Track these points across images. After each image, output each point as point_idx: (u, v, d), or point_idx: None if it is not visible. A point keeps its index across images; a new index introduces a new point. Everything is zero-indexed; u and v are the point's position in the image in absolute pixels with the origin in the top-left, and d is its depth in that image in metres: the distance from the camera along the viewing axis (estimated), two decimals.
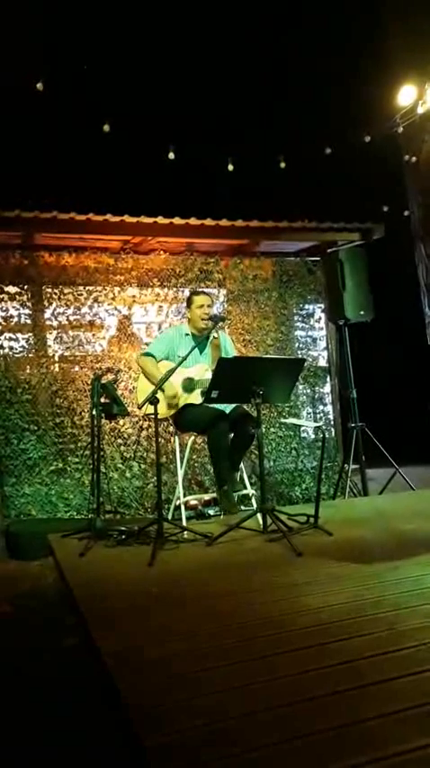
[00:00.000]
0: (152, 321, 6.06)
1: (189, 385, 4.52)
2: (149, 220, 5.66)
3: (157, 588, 3.01)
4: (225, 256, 6.36)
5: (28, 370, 5.60)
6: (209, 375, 4.35)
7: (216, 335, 4.58)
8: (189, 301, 4.73)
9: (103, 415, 4.43)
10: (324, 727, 1.59)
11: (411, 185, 6.55)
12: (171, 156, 5.45)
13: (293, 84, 9.67)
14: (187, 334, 4.67)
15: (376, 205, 6.74)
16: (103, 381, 4.43)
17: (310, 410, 6.60)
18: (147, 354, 4.64)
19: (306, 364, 6.25)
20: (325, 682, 1.82)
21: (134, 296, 5.99)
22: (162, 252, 6.09)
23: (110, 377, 4.83)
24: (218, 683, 1.88)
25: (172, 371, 4.10)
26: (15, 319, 5.61)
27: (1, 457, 5.38)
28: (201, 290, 5.23)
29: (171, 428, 4.94)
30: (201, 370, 4.53)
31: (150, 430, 5.71)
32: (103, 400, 4.40)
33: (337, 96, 8.27)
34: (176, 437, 4.72)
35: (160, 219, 5.69)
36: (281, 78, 9.77)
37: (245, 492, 4.61)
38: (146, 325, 6.04)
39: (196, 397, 4.47)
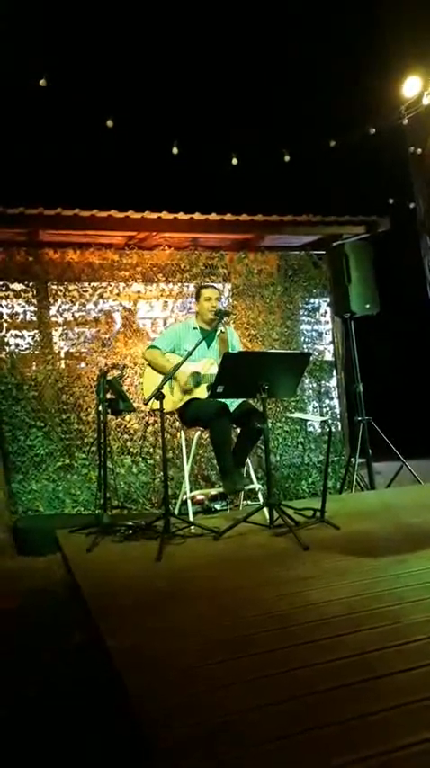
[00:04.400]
0: (157, 316, 6.07)
1: (195, 379, 4.52)
2: (153, 215, 5.66)
3: (164, 583, 3.02)
4: (230, 251, 6.35)
5: (34, 367, 5.62)
6: (215, 369, 4.36)
7: (223, 330, 4.58)
8: (198, 294, 4.73)
9: (109, 411, 4.44)
10: (331, 720, 1.59)
11: (416, 177, 6.53)
12: (175, 150, 5.44)
13: (297, 77, 9.63)
14: (195, 329, 4.67)
15: (381, 198, 6.71)
16: (108, 377, 4.44)
17: (316, 404, 6.60)
18: (153, 347, 4.65)
19: (312, 358, 6.25)
20: (332, 675, 1.83)
21: (139, 291, 5.99)
22: (166, 247, 6.09)
23: (115, 373, 4.84)
24: (226, 678, 1.88)
25: (179, 365, 4.12)
26: (21, 316, 5.63)
27: (8, 453, 5.40)
28: (209, 283, 5.24)
29: (177, 423, 4.94)
30: (208, 364, 4.53)
31: (156, 425, 5.72)
32: (108, 396, 4.41)
33: (342, 89, 8.24)
34: (182, 432, 4.73)
35: (164, 214, 5.69)
36: (285, 71, 9.73)
37: (251, 487, 4.62)
38: (151, 321, 6.05)
39: (202, 392, 4.47)
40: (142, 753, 1.65)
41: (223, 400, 4.28)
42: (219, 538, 3.80)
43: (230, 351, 4.58)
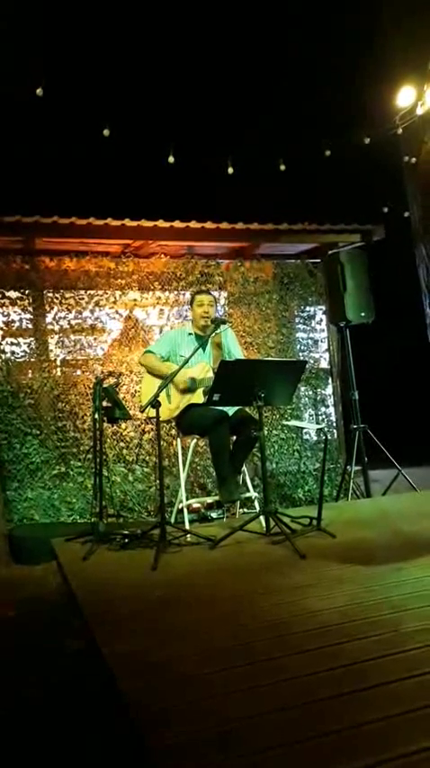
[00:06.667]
0: (153, 324, 6.07)
1: (192, 384, 4.52)
2: (150, 224, 5.67)
3: (161, 591, 3.01)
4: (225, 259, 6.37)
5: (30, 375, 5.61)
6: (211, 374, 4.36)
7: (218, 332, 4.57)
8: (191, 300, 4.74)
9: (104, 418, 4.43)
10: (329, 729, 1.59)
11: (411, 186, 6.54)
12: (171, 159, 5.45)
13: (293, 86, 9.68)
14: (190, 334, 4.68)
15: (376, 206, 6.74)
16: (104, 385, 4.44)
17: (312, 412, 6.60)
18: (149, 352, 4.65)
19: (307, 366, 6.26)
20: (329, 684, 1.82)
21: (135, 299, 6.00)
22: (163, 255, 6.10)
23: (111, 381, 4.84)
24: (222, 686, 1.88)
25: (176, 372, 4.12)
26: (17, 324, 5.63)
27: (3, 461, 5.39)
28: (204, 289, 5.23)
29: (173, 431, 4.93)
30: (203, 369, 4.53)
31: (152, 433, 5.71)
32: (104, 404, 4.40)
33: (337, 98, 8.28)
34: (179, 440, 4.72)
35: (160, 223, 5.70)
36: (280, 80, 9.78)
37: (248, 495, 4.61)
38: (147, 329, 6.05)
39: (199, 397, 4.47)
40: (138, 755, 1.64)
41: (221, 408, 4.28)
42: (215, 546, 3.79)
43: (227, 353, 4.59)
